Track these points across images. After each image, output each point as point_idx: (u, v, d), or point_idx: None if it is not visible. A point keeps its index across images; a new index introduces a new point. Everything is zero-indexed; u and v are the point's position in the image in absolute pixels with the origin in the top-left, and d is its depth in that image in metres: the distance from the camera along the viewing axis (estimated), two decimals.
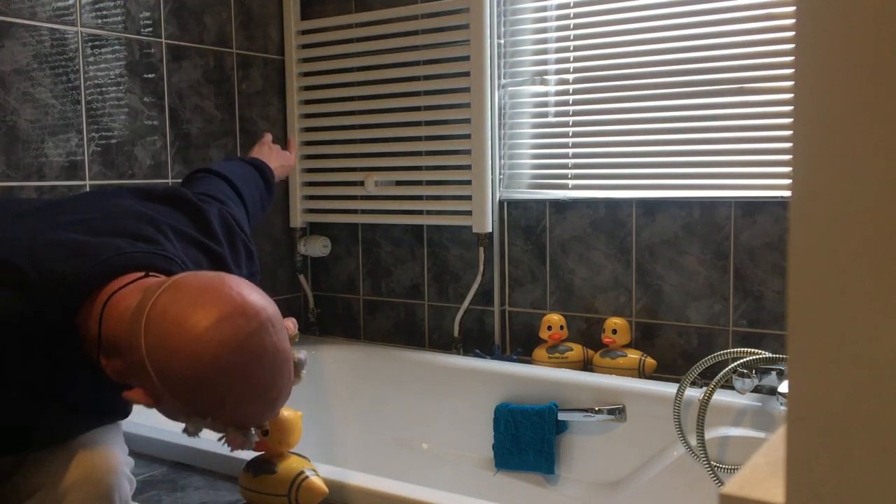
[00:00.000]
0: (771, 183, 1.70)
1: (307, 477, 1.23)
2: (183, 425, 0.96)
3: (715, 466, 1.55)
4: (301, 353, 1.01)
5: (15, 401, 0.97)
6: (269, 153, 1.66)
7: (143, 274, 0.98)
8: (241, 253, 1.23)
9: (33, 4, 1.68)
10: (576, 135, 1.93)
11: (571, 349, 1.89)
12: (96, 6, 1.80)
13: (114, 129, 1.85)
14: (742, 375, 1.57)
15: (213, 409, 0.90)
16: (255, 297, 0.94)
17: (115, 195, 1.18)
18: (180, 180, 1.76)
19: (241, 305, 0.91)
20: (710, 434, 1.58)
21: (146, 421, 1.59)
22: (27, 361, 0.95)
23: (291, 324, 1.00)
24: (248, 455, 1.30)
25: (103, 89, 1.83)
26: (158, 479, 1.37)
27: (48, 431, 1.05)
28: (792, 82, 0.42)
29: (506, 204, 2.02)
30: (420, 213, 2.12)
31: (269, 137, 1.71)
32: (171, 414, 0.94)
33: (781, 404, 1.55)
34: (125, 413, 1.14)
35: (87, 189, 1.80)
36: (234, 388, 0.90)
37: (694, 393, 1.61)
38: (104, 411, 1.12)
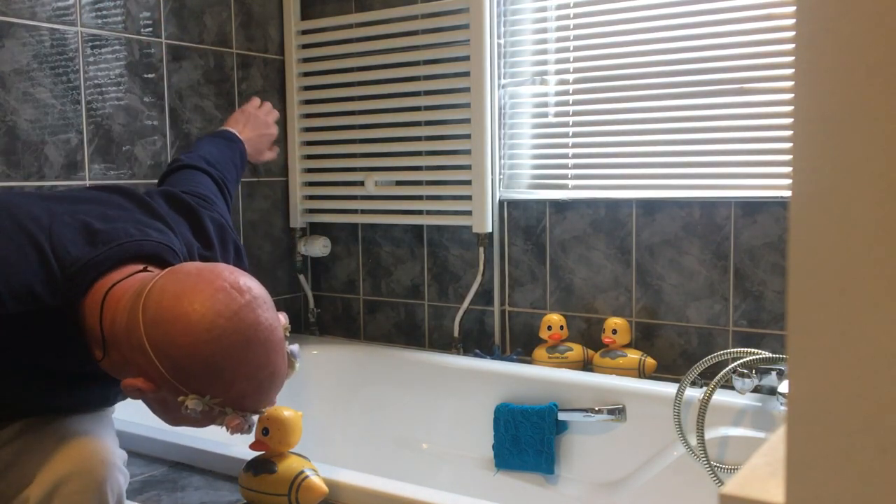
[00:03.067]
0: (771, 183, 1.70)
1: (307, 477, 1.23)
2: (182, 427, 0.98)
3: (715, 466, 1.55)
4: (294, 346, 1.03)
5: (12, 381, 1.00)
6: (245, 122, 1.66)
7: (142, 268, 1.01)
8: (230, 253, 1.25)
9: (33, 4, 1.68)
10: (576, 135, 1.93)
11: (571, 349, 1.89)
12: (96, 6, 1.80)
13: (114, 130, 1.85)
14: (742, 375, 1.57)
15: (211, 383, 0.92)
16: (248, 278, 0.98)
17: (121, 192, 1.20)
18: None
19: (236, 282, 0.95)
20: (710, 434, 1.58)
21: (146, 421, 1.59)
22: (26, 345, 0.97)
23: (283, 317, 1.02)
24: (248, 455, 1.30)
25: (103, 89, 1.83)
26: (158, 479, 1.37)
27: (32, 406, 1.07)
28: (792, 82, 0.42)
29: (506, 204, 2.02)
30: (420, 213, 2.12)
31: (254, 103, 1.70)
32: (170, 401, 0.95)
33: (781, 404, 1.55)
34: (110, 401, 1.17)
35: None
36: (229, 358, 0.92)
37: (694, 393, 1.61)
38: (90, 400, 1.14)
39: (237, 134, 1.62)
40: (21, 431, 1.07)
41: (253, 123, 1.67)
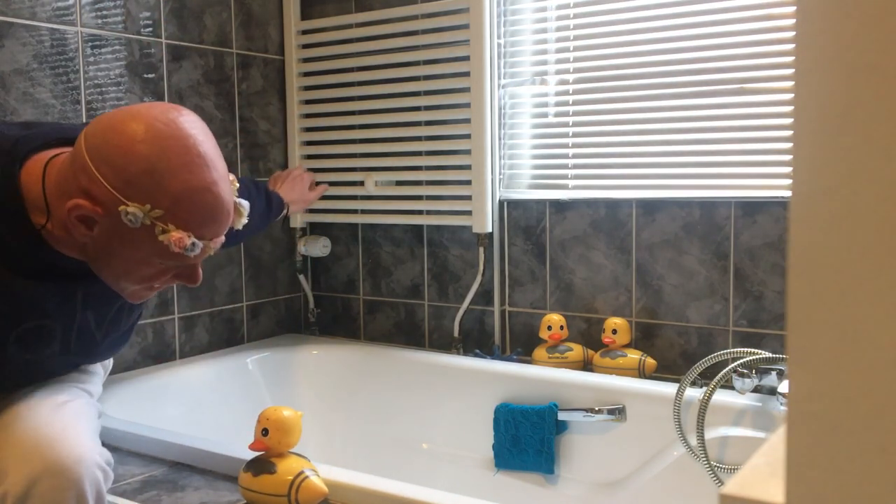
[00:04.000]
0: (771, 183, 1.70)
1: (307, 477, 1.23)
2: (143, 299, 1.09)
3: (715, 466, 1.55)
4: (244, 201, 1.07)
5: None
6: (287, 186, 1.88)
7: None
8: None
9: (33, 4, 1.68)
10: (576, 135, 1.93)
11: (571, 349, 1.89)
12: (96, 6, 1.80)
13: None
14: (742, 375, 1.57)
15: (150, 189, 0.95)
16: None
17: None
18: None
19: (173, 105, 1.02)
20: (710, 434, 1.58)
21: (146, 421, 1.59)
22: None
23: (232, 175, 1.06)
24: (248, 455, 1.30)
25: (103, 89, 1.82)
26: (158, 479, 1.37)
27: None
28: (792, 82, 0.42)
29: (506, 204, 2.02)
30: (420, 213, 2.12)
31: (297, 171, 1.95)
32: (117, 231, 0.97)
33: (781, 404, 1.55)
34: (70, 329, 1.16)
35: None
36: (166, 160, 0.95)
37: (694, 393, 1.61)
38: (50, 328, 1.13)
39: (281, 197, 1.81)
40: None
41: (292, 188, 1.91)
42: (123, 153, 0.95)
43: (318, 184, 2.24)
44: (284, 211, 1.82)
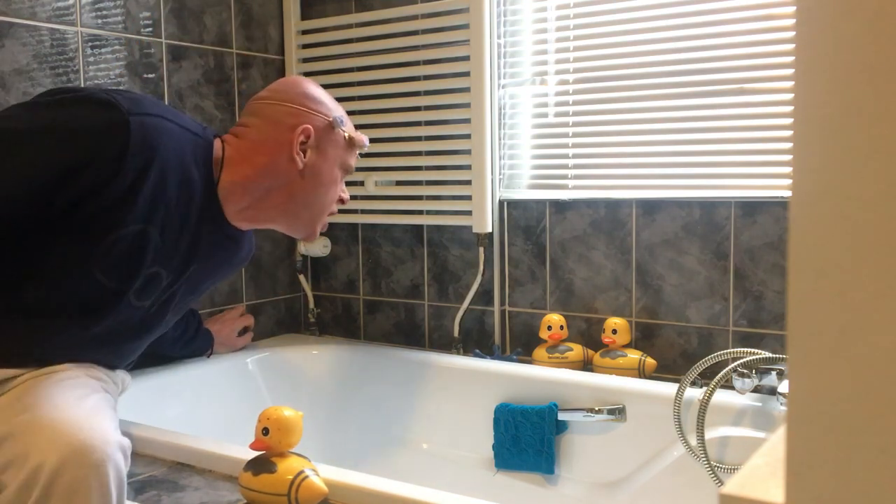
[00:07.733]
0: (771, 183, 1.70)
1: (307, 477, 1.23)
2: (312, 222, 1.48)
3: (715, 466, 1.56)
4: None
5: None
6: (217, 325, 2.00)
7: None
8: None
9: (33, 4, 1.68)
10: (576, 135, 1.93)
11: (571, 349, 1.89)
12: (96, 6, 1.79)
13: None
14: (742, 375, 1.57)
15: (332, 106, 1.43)
16: None
17: None
18: None
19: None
20: (710, 434, 1.58)
21: (146, 421, 1.59)
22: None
23: None
24: (248, 455, 1.30)
25: None
26: (158, 479, 1.37)
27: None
28: (792, 82, 0.42)
29: (506, 204, 2.02)
30: (420, 213, 2.12)
31: (233, 313, 2.05)
32: (322, 147, 1.41)
33: (781, 404, 1.55)
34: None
35: None
36: (322, 91, 1.45)
37: (694, 393, 1.61)
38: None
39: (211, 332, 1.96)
40: (13, 403, 1.12)
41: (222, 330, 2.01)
42: (306, 91, 1.41)
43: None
44: (209, 348, 1.94)
